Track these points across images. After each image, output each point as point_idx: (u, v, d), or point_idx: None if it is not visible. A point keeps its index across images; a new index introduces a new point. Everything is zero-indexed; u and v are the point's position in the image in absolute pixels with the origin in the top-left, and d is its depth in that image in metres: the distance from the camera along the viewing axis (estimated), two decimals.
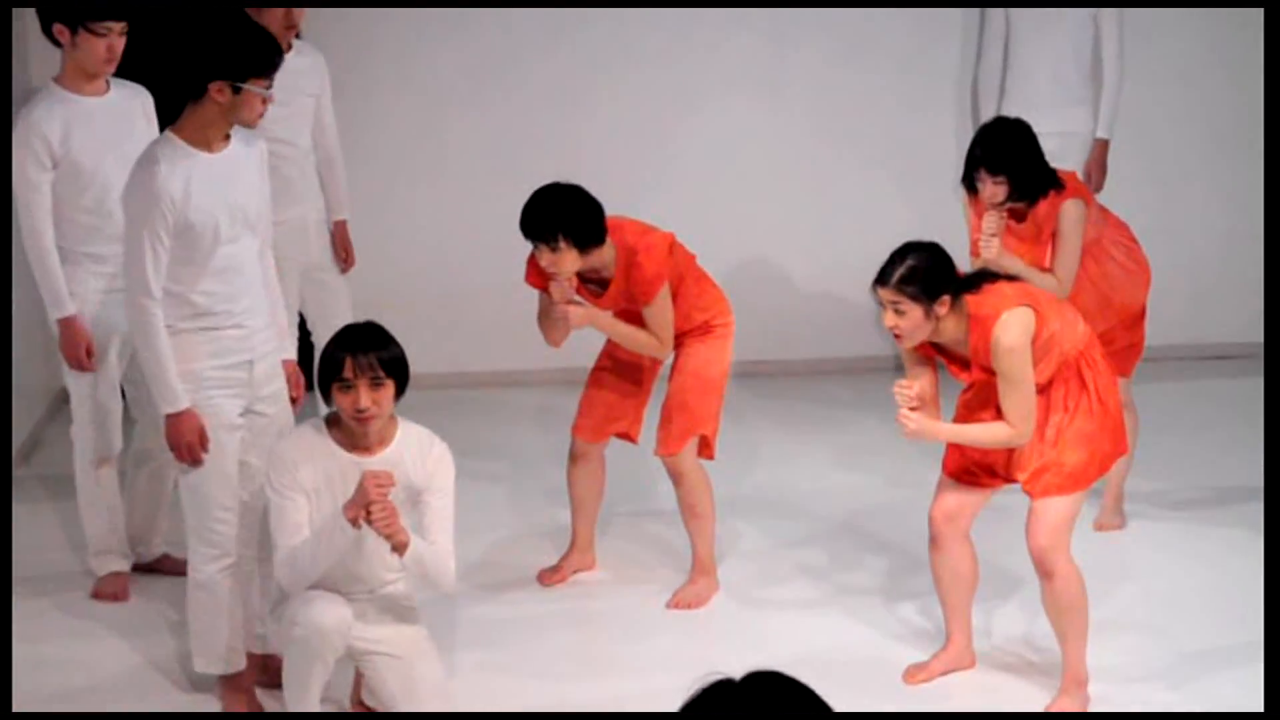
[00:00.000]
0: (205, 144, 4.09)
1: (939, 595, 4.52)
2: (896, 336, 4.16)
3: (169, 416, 4.14)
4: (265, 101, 4.08)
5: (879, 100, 7.28)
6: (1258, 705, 4.26)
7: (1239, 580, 5.14)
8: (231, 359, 4.19)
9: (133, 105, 4.94)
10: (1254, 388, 7.19)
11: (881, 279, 4.12)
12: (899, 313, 4.10)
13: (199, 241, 4.09)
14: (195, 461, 4.16)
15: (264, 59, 4.05)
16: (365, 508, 3.85)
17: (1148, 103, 7.29)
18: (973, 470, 4.36)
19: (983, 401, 4.28)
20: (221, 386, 4.18)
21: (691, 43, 7.17)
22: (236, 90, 4.02)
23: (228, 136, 4.14)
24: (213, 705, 4.40)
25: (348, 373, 3.91)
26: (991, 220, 5.05)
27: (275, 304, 4.38)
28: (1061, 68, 6.70)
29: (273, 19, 5.31)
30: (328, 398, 3.99)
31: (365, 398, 3.91)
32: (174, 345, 4.11)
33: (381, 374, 3.93)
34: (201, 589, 4.27)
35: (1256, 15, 7.29)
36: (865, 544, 5.48)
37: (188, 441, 4.14)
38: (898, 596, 5.05)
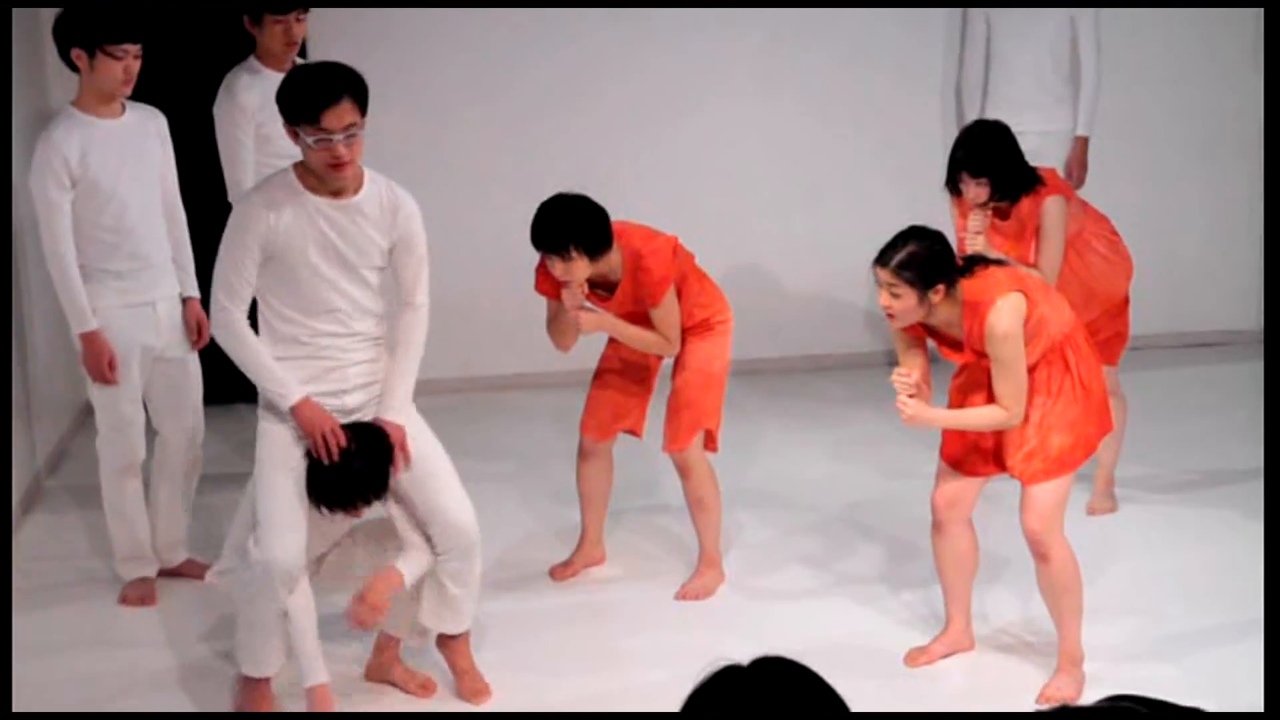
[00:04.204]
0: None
1: (940, 579, 4.51)
2: (889, 316, 4.15)
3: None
4: None
5: (872, 104, 7.29)
6: (1248, 681, 4.25)
7: (1228, 561, 5.14)
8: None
9: (147, 127, 4.95)
10: (1240, 374, 7.21)
11: (881, 260, 4.10)
12: (894, 295, 4.09)
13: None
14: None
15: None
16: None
17: (1136, 98, 7.32)
18: (969, 457, 4.35)
19: (975, 384, 4.27)
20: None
21: (688, 51, 7.17)
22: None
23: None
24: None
25: (330, 123, 3.92)
26: (976, 219, 5.06)
27: None
28: (1041, 68, 6.71)
29: (273, 37, 5.29)
30: (295, 135, 4.00)
31: (344, 152, 3.96)
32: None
33: (357, 121, 3.96)
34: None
35: (1243, 10, 7.30)
36: (863, 533, 5.47)
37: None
38: (896, 583, 5.04)
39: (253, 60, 5.39)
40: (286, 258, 4.07)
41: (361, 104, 4.00)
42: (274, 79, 5.33)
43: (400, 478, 4.17)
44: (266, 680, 4.25)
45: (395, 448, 4.14)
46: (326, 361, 4.16)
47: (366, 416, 4.18)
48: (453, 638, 4.39)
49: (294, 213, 4.05)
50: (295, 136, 4.01)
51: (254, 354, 4.11)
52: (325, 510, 4.12)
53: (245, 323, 4.12)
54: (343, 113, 3.95)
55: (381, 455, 4.10)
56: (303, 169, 4.09)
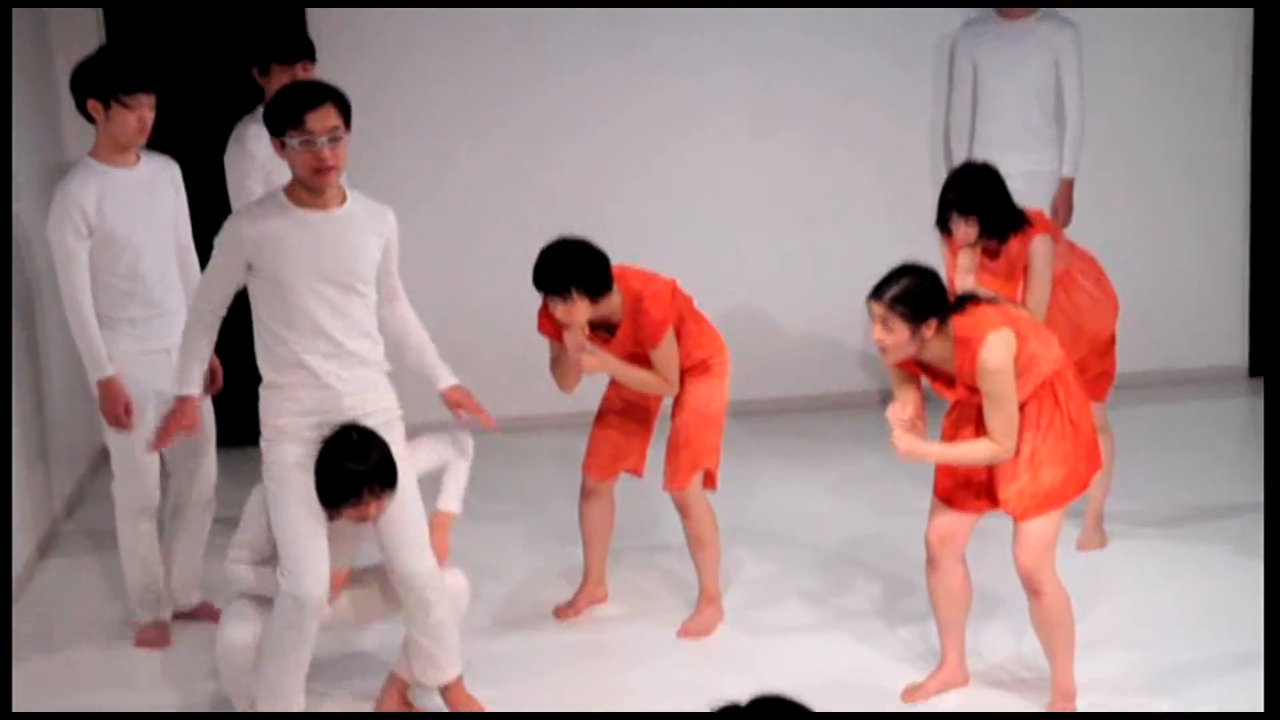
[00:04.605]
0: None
1: (935, 615, 4.49)
2: (882, 350, 4.16)
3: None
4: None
5: (863, 156, 7.34)
6: (1244, 714, 4.23)
7: (1217, 594, 5.13)
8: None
9: (162, 176, 4.98)
10: (1227, 410, 7.22)
11: (876, 294, 4.11)
12: (887, 329, 4.10)
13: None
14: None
15: None
16: None
17: (1120, 140, 7.35)
18: (961, 492, 4.35)
19: (967, 419, 4.29)
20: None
21: (688, 106, 7.21)
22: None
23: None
24: None
25: (313, 125, 4.01)
26: (966, 258, 5.10)
27: None
28: (1027, 110, 6.75)
29: (279, 85, 5.31)
30: (282, 146, 4.10)
31: (329, 155, 4.04)
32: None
33: (340, 125, 4.05)
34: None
35: (1224, 51, 7.35)
36: (859, 569, 5.46)
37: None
38: (892, 619, 5.03)
39: (261, 110, 5.41)
40: (276, 271, 4.09)
41: (344, 112, 4.09)
42: None
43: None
44: None
45: (480, 416, 4.51)
46: (320, 391, 4.16)
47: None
48: (445, 687, 4.37)
49: (283, 226, 4.10)
50: (282, 148, 4.08)
51: (191, 343, 4.27)
52: (336, 510, 4.10)
53: (208, 320, 4.24)
54: (326, 115, 4.04)
55: (386, 453, 4.10)
56: (291, 186, 4.15)
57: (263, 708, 4.19)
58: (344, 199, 4.17)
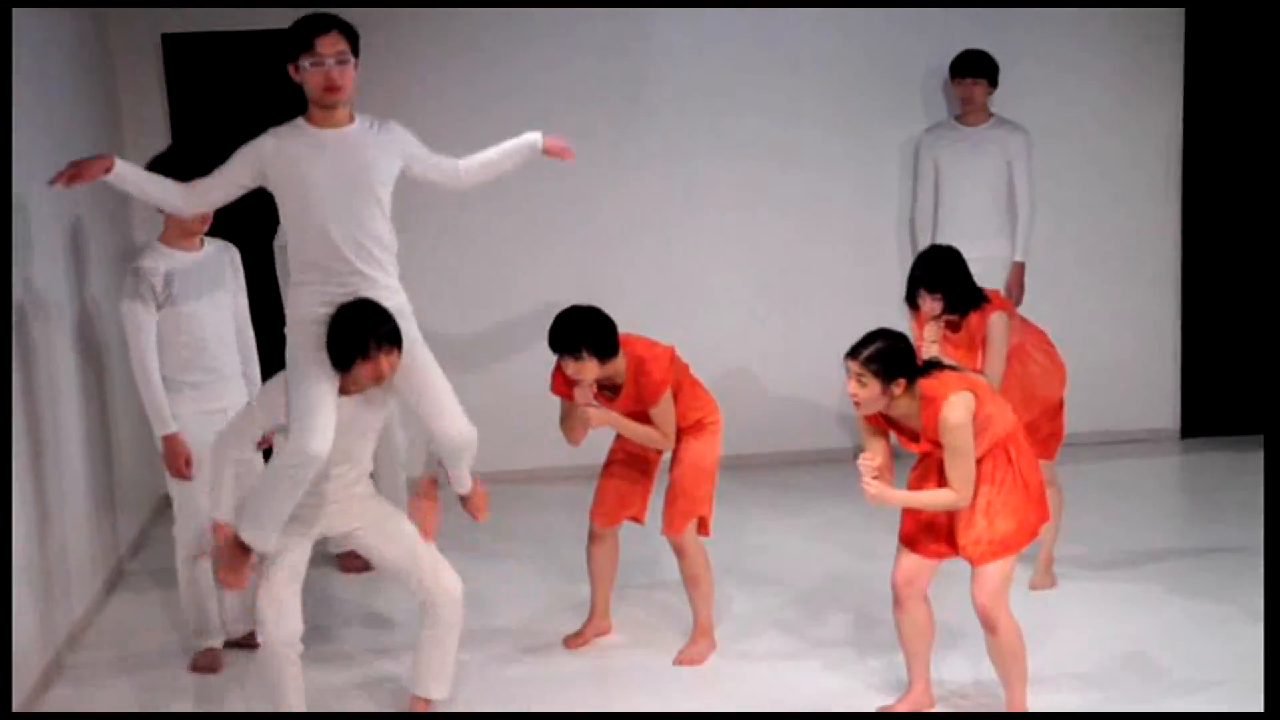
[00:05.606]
0: None
1: (901, 647, 4.55)
2: (855, 403, 4.25)
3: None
4: None
5: (836, 243, 7.40)
6: None
7: (1155, 627, 5.19)
8: None
9: (223, 259, 5.10)
10: (1160, 467, 7.26)
11: (853, 352, 4.20)
12: (861, 384, 4.19)
13: None
14: None
15: None
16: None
17: (1068, 230, 7.42)
18: (923, 538, 4.41)
19: (929, 473, 4.38)
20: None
21: (682, 192, 7.28)
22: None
23: None
24: None
25: (323, 48, 4.11)
26: (931, 330, 5.19)
27: None
28: (982, 204, 6.87)
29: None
30: (296, 70, 4.18)
31: (337, 75, 4.13)
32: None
33: (347, 50, 4.16)
34: None
35: (1156, 149, 7.46)
36: (834, 605, 5.51)
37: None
38: (864, 649, 5.09)
39: None
40: (297, 182, 4.19)
41: (351, 40, 4.25)
42: None
43: (402, 386, 4.31)
44: (250, 553, 4.24)
45: (566, 154, 4.66)
46: (338, 286, 4.24)
47: None
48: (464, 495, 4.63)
49: (303, 143, 4.23)
50: (296, 72, 4.21)
51: (155, 185, 4.34)
52: (349, 368, 4.14)
53: (192, 192, 4.33)
54: (334, 40, 4.18)
55: (393, 319, 4.18)
56: (308, 111, 4.26)
57: (244, 535, 4.22)
58: (352, 119, 4.29)
